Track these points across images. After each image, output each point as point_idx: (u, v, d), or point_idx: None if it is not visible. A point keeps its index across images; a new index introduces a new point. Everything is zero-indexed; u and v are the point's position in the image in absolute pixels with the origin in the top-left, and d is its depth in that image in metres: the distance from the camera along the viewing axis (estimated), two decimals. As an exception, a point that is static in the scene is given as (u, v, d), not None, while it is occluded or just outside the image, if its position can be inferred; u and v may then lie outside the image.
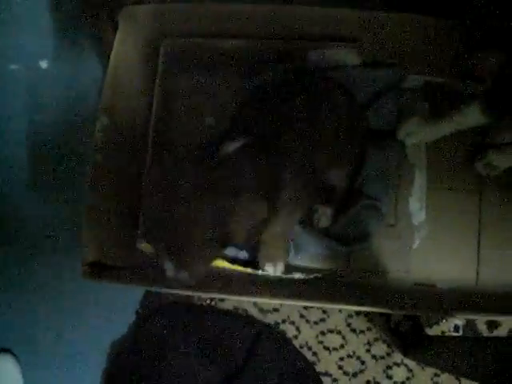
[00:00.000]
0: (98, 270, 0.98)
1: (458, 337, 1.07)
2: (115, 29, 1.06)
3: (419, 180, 1.02)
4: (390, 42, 1.03)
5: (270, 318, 1.17)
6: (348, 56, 1.02)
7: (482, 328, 1.05)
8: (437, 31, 1.01)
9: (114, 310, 1.20)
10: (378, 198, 0.99)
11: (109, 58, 1.03)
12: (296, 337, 1.17)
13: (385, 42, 1.03)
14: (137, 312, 1.22)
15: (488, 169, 0.99)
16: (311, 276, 0.97)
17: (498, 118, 0.86)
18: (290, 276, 0.96)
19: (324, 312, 1.16)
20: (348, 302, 0.93)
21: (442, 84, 1.03)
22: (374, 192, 1.00)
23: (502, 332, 1.05)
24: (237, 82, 1.06)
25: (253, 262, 0.97)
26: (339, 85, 0.94)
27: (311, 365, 0.76)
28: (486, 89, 0.90)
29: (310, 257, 1.01)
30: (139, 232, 1.01)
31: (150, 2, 1.07)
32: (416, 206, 1.02)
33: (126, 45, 1.06)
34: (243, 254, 1.00)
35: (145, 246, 0.99)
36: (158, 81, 1.07)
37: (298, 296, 0.94)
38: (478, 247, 1.02)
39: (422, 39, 1.02)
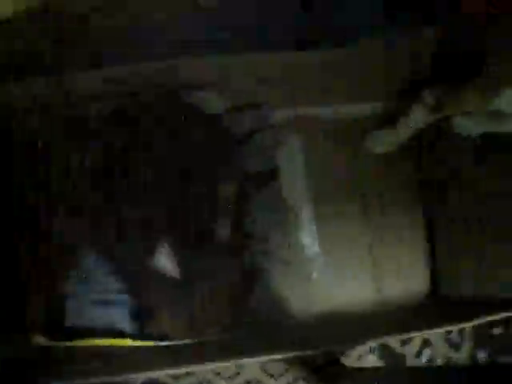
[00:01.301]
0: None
1: (375, 367, 1.05)
2: None
3: (306, 212, 1.01)
4: (255, 82, 1.02)
5: (185, 383, 1.11)
6: (209, 103, 1.00)
7: (396, 346, 1.05)
8: (303, 64, 1.01)
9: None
10: (269, 239, 0.97)
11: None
12: (215, 396, 1.11)
13: (250, 82, 1.02)
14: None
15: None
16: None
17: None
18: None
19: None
20: (254, 354, 0.89)
21: (315, 116, 1.04)
22: (264, 233, 0.97)
23: (414, 347, 1.04)
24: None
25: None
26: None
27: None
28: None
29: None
30: (29, 325, 0.92)
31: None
32: (307, 239, 1.01)
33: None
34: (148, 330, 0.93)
35: (40, 340, 0.91)
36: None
37: (201, 358, 0.89)
38: (374, 266, 1.02)
39: (290, 73, 1.01)
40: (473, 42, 0.82)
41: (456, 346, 1.05)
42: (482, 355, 1.06)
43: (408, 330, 0.83)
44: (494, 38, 0.79)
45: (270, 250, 0.96)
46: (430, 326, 0.83)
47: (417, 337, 1.05)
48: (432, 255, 1.04)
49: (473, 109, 0.83)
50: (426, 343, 1.05)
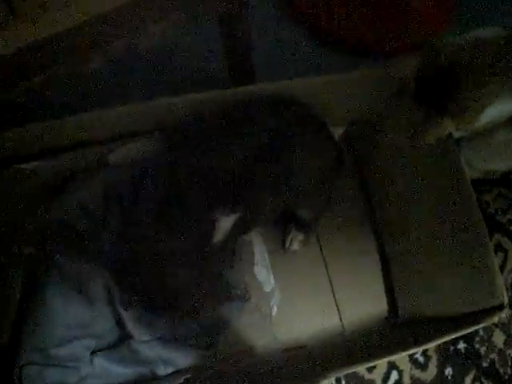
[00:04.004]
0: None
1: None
2: None
3: (259, 246, 1.00)
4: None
5: None
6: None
7: (364, 372, 1.03)
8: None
9: None
10: (236, 285, 0.95)
11: None
12: None
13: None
14: None
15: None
16: (180, 380, 0.90)
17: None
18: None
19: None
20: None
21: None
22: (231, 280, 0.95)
23: (381, 371, 1.04)
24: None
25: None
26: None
27: None
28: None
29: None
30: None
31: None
32: (263, 274, 0.99)
33: None
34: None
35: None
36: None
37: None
38: (334, 294, 1.02)
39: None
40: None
41: (422, 366, 1.05)
42: (449, 372, 1.05)
43: (371, 359, 0.81)
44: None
45: (239, 295, 0.94)
46: (393, 352, 0.82)
47: (382, 364, 1.04)
48: (388, 278, 1.04)
49: (455, 131, 0.85)
50: (392, 366, 1.04)
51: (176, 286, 0.89)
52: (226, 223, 0.87)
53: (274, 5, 1.38)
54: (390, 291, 1.03)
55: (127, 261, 0.89)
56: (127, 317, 0.89)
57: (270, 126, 0.91)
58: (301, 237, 1.01)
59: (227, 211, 0.86)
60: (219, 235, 0.88)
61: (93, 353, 0.89)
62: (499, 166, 1.01)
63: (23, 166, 0.93)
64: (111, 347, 0.90)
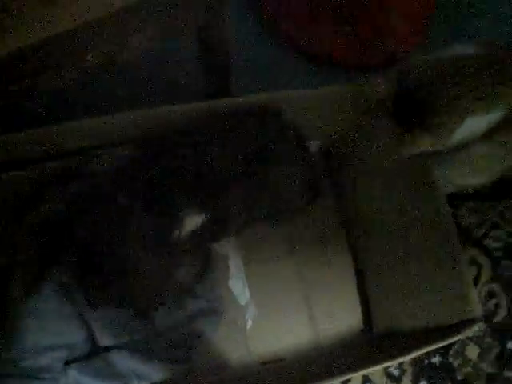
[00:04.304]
0: None
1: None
2: None
3: (234, 259, 1.00)
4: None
5: None
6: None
7: (339, 385, 1.03)
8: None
9: None
10: (211, 298, 0.95)
11: None
12: None
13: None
14: None
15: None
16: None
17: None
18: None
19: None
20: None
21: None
22: (205, 292, 0.95)
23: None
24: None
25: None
26: None
27: None
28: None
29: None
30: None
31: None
32: (238, 287, 0.99)
33: None
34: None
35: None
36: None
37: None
38: (309, 307, 1.02)
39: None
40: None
41: (397, 379, 1.05)
42: (423, 385, 1.06)
43: (347, 372, 0.81)
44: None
45: (213, 308, 0.94)
46: (368, 365, 0.82)
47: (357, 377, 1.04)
48: (363, 292, 1.04)
49: (430, 147, 0.86)
50: (367, 380, 1.04)
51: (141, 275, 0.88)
52: (192, 222, 0.87)
53: (250, 14, 1.37)
54: (365, 304, 1.03)
55: (94, 254, 0.87)
56: (94, 319, 0.87)
57: (248, 137, 0.92)
58: None
59: (195, 210, 0.87)
60: (184, 232, 0.87)
61: (66, 364, 0.87)
62: (478, 180, 1.02)
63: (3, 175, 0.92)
64: (85, 359, 0.88)
